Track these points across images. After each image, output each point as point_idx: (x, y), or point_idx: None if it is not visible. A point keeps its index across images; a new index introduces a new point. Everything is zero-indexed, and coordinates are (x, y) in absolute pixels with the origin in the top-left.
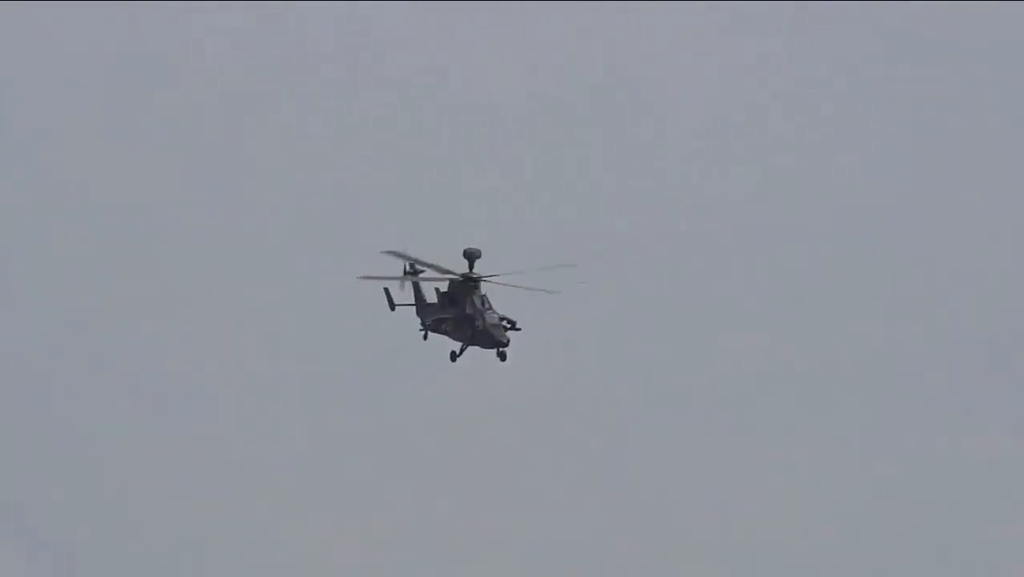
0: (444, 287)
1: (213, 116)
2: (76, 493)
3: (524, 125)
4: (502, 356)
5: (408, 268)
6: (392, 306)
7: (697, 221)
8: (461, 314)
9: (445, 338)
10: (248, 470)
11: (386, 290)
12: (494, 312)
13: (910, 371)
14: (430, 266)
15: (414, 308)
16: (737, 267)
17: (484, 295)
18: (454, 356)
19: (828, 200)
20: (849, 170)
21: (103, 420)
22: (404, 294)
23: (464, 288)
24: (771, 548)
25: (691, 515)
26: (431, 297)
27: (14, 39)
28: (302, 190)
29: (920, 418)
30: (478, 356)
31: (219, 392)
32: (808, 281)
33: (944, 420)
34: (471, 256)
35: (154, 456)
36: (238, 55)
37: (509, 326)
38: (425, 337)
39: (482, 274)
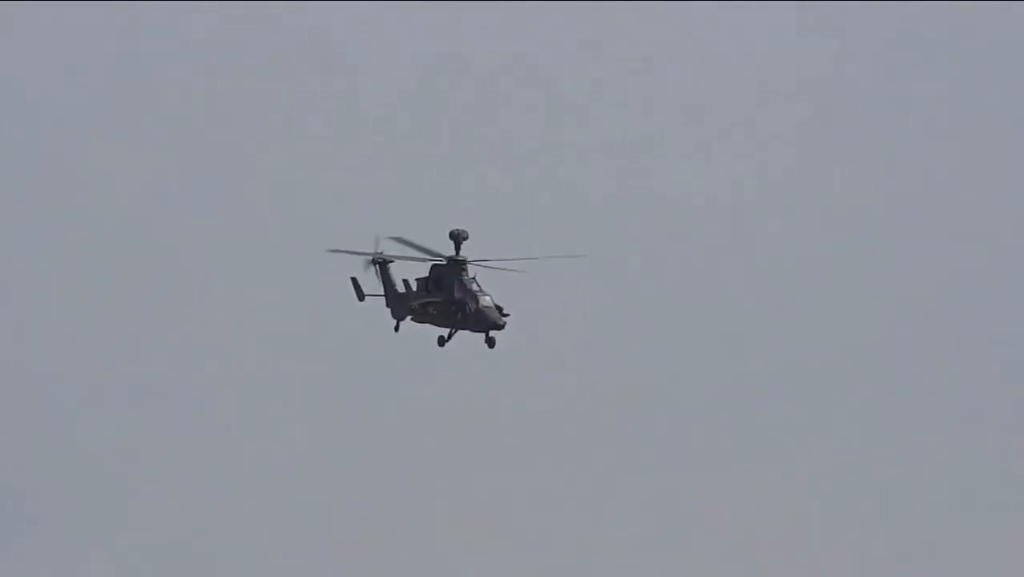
0: (421, 273)
1: (213, 116)
2: (75, 492)
3: (520, 118)
4: (491, 342)
5: (377, 254)
6: (361, 296)
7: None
8: (449, 298)
9: (424, 327)
10: (236, 464)
11: (354, 280)
12: (486, 295)
13: (910, 371)
14: (423, 249)
15: (383, 299)
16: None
17: (474, 277)
18: (442, 341)
19: (830, 198)
20: (849, 169)
21: (100, 418)
22: (375, 283)
23: (451, 271)
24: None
25: (689, 510)
26: (400, 287)
27: (14, 39)
28: (302, 189)
29: (920, 418)
30: (467, 342)
31: (210, 388)
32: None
33: (943, 420)
34: (457, 237)
35: (148, 454)
36: (237, 55)
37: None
38: (396, 329)
39: (468, 257)
